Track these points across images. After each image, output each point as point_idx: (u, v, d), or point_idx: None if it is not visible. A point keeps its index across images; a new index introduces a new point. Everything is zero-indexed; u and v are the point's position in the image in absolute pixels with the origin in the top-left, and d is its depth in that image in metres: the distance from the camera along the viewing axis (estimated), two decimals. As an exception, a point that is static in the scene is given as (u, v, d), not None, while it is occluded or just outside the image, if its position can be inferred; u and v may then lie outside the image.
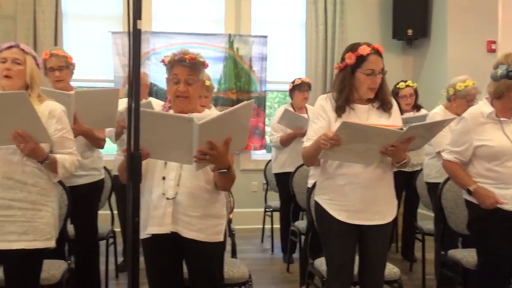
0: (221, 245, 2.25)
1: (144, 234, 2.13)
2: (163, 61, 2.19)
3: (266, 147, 6.01)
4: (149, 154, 1.94)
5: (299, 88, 4.34)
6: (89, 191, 3.14)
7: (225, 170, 2.03)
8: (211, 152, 1.92)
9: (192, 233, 2.12)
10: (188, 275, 2.25)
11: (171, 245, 2.15)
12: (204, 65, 2.19)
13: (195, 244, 2.13)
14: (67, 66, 3.06)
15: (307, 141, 2.39)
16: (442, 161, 2.71)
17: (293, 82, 4.38)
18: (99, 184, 3.27)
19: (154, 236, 2.12)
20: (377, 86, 2.35)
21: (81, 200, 3.01)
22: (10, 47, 2.24)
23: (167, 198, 2.09)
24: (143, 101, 3.98)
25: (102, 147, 3.24)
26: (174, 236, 2.11)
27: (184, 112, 2.10)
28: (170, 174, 2.12)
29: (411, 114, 4.32)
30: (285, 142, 4.33)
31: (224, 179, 2.11)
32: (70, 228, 3.29)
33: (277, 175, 4.51)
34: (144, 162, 2.15)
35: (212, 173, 2.16)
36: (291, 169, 4.04)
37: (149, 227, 2.12)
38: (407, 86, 4.38)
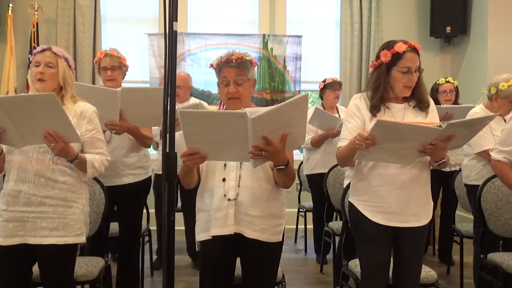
0: (279, 245, 2.22)
1: (205, 235, 2.14)
2: (211, 65, 2.19)
3: (299, 147, 5.98)
4: (206, 156, 1.92)
5: (331, 87, 4.30)
6: (135, 190, 3.15)
7: (282, 167, 2.00)
8: (267, 148, 1.89)
9: (255, 233, 2.11)
10: (242, 275, 2.23)
11: (230, 245, 2.14)
12: (252, 63, 2.18)
13: (255, 245, 2.12)
14: (119, 66, 3.13)
15: (342, 141, 2.36)
16: (491, 160, 2.63)
17: (324, 81, 4.36)
18: (146, 183, 3.26)
19: (215, 238, 2.11)
20: (413, 85, 2.30)
21: (127, 199, 3.05)
22: (43, 51, 2.30)
23: (229, 199, 2.09)
24: (192, 103, 4.02)
25: (148, 146, 3.23)
26: (235, 237, 2.10)
27: None
28: (230, 175, 2.11)
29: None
30: (316, 143, 4.28)
31: (284, 176, 2.09)
32: (113, 226, 3.35)
33: (309, 176, 4.48)
34: (203, 165, 2.16)
35: (271, 172, 2.15)
36: (323, 170, 4.01)
37: (212, 229, 2.11)
38: (447, 81, 4.33)
